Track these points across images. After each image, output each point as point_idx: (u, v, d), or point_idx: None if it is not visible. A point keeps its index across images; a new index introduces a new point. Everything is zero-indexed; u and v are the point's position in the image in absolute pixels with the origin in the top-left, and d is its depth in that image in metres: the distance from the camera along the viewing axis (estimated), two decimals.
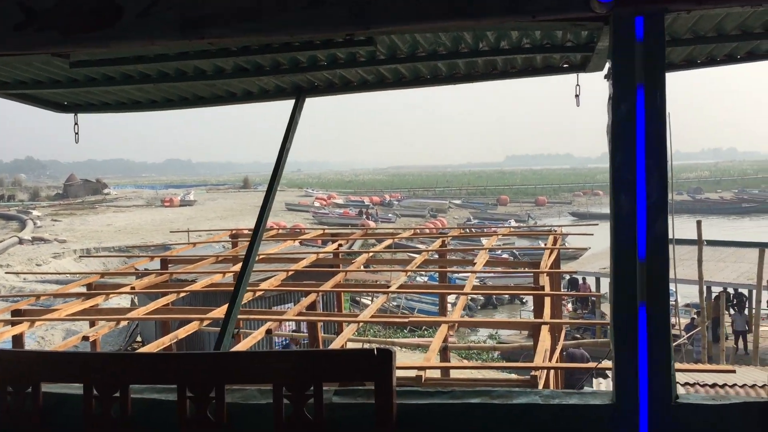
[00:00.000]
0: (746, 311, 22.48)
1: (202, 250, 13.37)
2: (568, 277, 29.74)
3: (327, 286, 7.94)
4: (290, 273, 8.91)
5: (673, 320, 17.47)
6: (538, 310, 7.50)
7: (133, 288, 9.03)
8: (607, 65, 2.26)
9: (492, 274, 27.93)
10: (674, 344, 17.00)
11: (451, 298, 29.10)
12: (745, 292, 23.20)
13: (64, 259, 37.68)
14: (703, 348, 13.90)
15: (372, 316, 6.35)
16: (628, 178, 2.06)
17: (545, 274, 8.30)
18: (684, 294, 23.10)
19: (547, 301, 7.38)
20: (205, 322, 6.95)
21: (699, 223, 15.28)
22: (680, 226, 19.92)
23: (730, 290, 23.31)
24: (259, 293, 8.04)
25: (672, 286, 23.34)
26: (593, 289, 28.21)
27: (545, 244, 9.91)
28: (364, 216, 67.28)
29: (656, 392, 2.01)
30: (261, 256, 10.10)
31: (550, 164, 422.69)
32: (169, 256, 11.29)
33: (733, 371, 7.23)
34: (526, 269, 26.00)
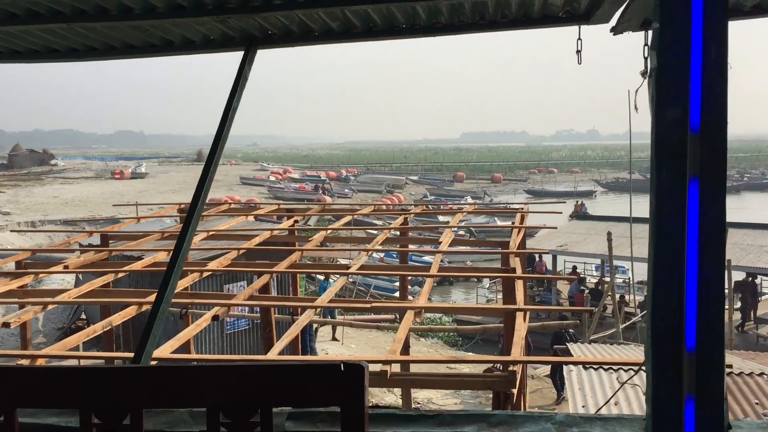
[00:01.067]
0: None
1: (148, 225, 12.57)
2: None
3: (281, 266, 7.29)
4: (242, 251, 8.32)
5: (628, 297, 17.40)
6: (509, 294, 6.70)
7: (66, 267, 8.25)
8: (617, 15, 1.77)
9: (456, 253, 27.60)
10: (629, 323, 17.03)
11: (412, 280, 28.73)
12: None
13: (4, 233, 36.14)
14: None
15: (330, 301, 5.84)
16: (676, 150, 1.56)
17: (514, 255, 7.58)
18: (638, 273, 23.20)
19: (519, 284, 6.58)
20: (144, 307, 6.33)
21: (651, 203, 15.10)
22: (634, 206, 19.87)
23: None
24: (207, 273, 7.37)
25: (626, 264, 23.40)
26: (549, 266, 28.27)
27: (513, 222, 9.41)
28: (321, 191, 66.51)
29: (704, 418, 1.55)
30: (211, 233, 9.45)
31: (505, 141, 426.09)
32: (110, 231, 10.41)
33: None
34: (493, 249, 25.83)
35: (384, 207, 12.00)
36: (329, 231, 9.24)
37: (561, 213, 12.25)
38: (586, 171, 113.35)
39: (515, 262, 7.33)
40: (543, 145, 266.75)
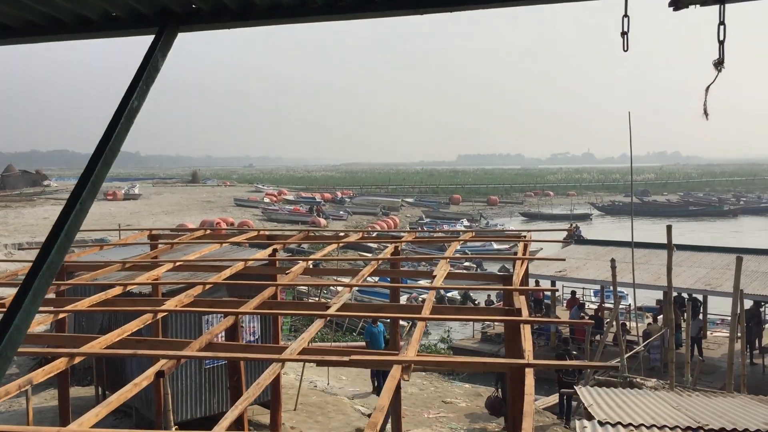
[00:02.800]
0: (700, 317, 22.07)
1: (112, 252, 11.63)
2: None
3: (249, 305, 6.36)
4: (207, 287, 7.44)
5: (629, 325, 16.66)
6: (514, 340, 5.62)
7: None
8: None
9: (452, 288, 26.92)
10: (632, 352, 16.32)
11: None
12: (700, 297, 22.78)
13: None
14: (670, 348, 13.16)
15: (301, 352, 4.87)
16: None
17: (519, 293, 6.39)
18: (639, 299, 22.53)
19: (526, 331, 5.38)
20: (77, 359, 5.55)
21: (669, 228, 14.50)
22: (629, 228, 19.27)
23: (684, 295, 22.89)
24: (162, 314, 6.47)
25: (625, 290, 22.66)
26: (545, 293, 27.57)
27: (515, 252, 8.53)
28: (315, 213, 65.85)
29: None
30: (178, 263, 8.57)
31: (501, 164, 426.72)
32: (67, 261, 9.42)
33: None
34: (494, 284, 24.95)
35: (374, 234, 11.07)
36: (309, 262, 8.40)
37: (565, 242, 11.70)
38: (582, 194, 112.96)
39: (520, 302, 6.19)
40: (539, 168, 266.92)
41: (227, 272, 7.71)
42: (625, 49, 2.30)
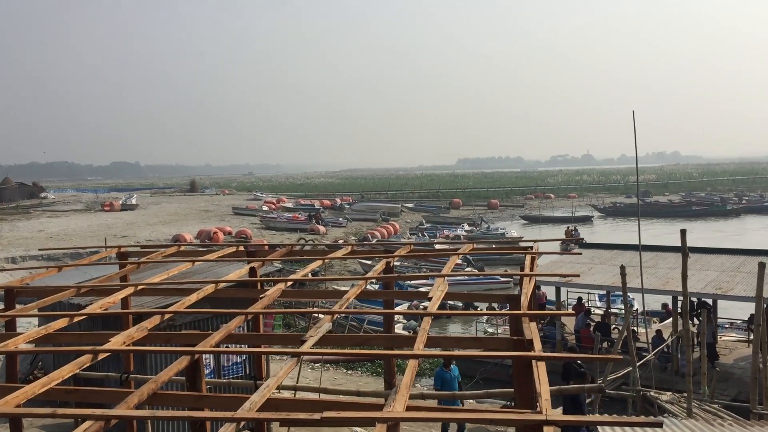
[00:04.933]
0: (712, 321, 21.34)
1: (70, 275, 10.61)
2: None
3: (208, 342, 5.24)
4: (167, 316, 6.52)
5: (638, 331, 15.89)
6: (525, 383, 4.51)
7: None
8: None
9: (449, 314, 26.04)
10: (643, 360, 15.56)
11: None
12: (709, 301, 22.07)
13: None
14: (688, 362, 12.42)
15: (265, 405, 3.95)
16: None
17: (528, 318, 5.38)
18: (647, 304, 21.78)
19: (540, 369, 4.36)
20: (101, 355, 4.71)
21: (683, 232, 13.75)
22: (633, 230, 18.54)
23: (694, 299, 22.18)
24: (103, 355, 5.36)
25: (631, 295, 21.87)
26: (549, 297, 26.81)
27: (518, 266, 7.51)
28: (315, 220, 65.11)
29: None
30: (140, 287, 7.68)
31: (501, 167, 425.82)
32: (17, 286, 8.29)
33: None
34: (501, 306, 23.94)
35: (364, 248, 10.12)
36: (288, 284, 7.50)
37: (581, 254, 10.97)
38: (583, 196, 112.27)
39: (530, 329, 5.14)
40: (539, 170, 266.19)
41: (194, 297, 6.79)
42: None
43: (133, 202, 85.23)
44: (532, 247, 8.00)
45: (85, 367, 5.05)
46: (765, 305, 19.10)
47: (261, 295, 6.54)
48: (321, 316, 6.03)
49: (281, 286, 6.96)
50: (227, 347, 9.29)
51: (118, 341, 5.27)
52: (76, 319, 6.62)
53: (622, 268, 14.58)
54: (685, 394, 12.22)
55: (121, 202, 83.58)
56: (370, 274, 7.32)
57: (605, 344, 20.23)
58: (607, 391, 12.21)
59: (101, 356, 5.18)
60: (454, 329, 29.10)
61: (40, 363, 15.94)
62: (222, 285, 7.28)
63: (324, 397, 8.48)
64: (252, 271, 8.10)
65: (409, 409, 3.97)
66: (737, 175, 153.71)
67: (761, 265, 12.30)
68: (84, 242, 44.94)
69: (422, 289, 23.78)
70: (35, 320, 15.65)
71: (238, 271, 8.23)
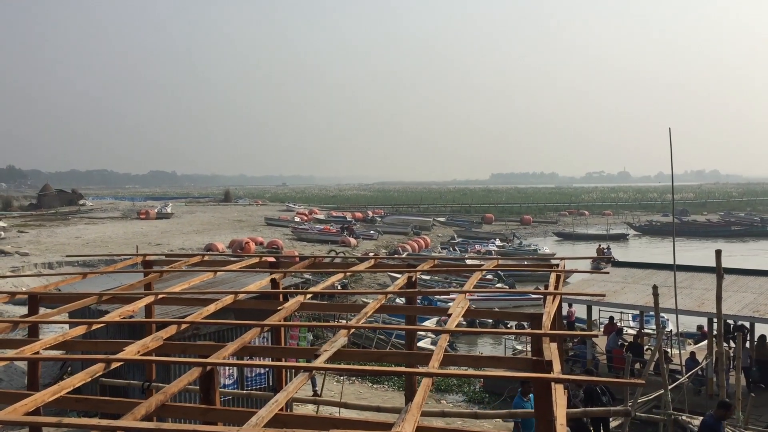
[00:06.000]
0: (747, 345, 20.74)
1: (95, 282, 10.65)
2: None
3: (224, 353, 5.08)
4: (183, 328, 6.40)
5: (671, 352, 15.47)
6: (545, 405, 4.32)
7: None
8: None
9: (469, 332, 25.73)
10: (675, 383, 15.16)
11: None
12: (747, 324, 21.46)
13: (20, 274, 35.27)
14: (721, 386, 12.03)
15: (274, 420, 3.70)
16: None
17: (549, 339, 5.09)
18: (681, 325, 21.27)
19: (558, 392, 4.40)
20: (114, 364, 4.62)
21: (719, 253, 13.40)
22: (669, 249, 18.14)
23: (730, 322, 21.60)
24: (116, 364, 5.23)
25: (665, 315, 21.36)
26: (579, 316, 26.37)
27: (545, 287, 7.18)
28: (346, 232, 65.26)
29: None
30: (161, 296, 7.70)
31: (535, 183, 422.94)
32: (42, 292, 8.31)
33: None
34: (520, 324, 23.58)
35: (394, 261, 10.03)
36: (308, 296, 7.43)
37: (608, 272, 10.68)
38: (618, 213, 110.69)
39: (551, 350, 4.91)
40: (573, 187, 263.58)
41: (212, 307, 6.78)
42: None
43: (168, 210, 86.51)
44: (557, 265, 7.80)
45: (99, 374, 5.04)
46: None
47: (279, 307, 6.48)
48: (338, 332, 5.87)
49: (300, 298, 6.88)
50: (246, 359, 9.24)
51: (132, 350, 5.24)
52: (95, 326, 6.65)
53: (655, 287, 14.24)
54: None
55: (156, 210, 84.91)
56: (390, 289, 7.22)
57: (637, 365, 19.79)
58: (636, 414, 11.88)
59: (114, 365, 5.14)
60: (485, 346, 28.78)
61: (69, 368, 16.14)
62: (242, 296, 7.24)
63: (343, 411, 8.37)
64: (274, 283, 8.05)
65: (419, 429, 3.87)
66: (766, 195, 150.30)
67: None
68: (119, 249, 45.67)
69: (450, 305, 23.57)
70: (67, 326, 15.87)
71: (259, 282, 8.19)
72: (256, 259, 9.35)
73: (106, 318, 6.50)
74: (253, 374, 12.08)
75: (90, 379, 4.87)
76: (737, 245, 67.35)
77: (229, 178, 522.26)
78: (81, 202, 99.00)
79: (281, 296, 7.91)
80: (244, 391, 10.96)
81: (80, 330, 6.29)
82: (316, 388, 17.96)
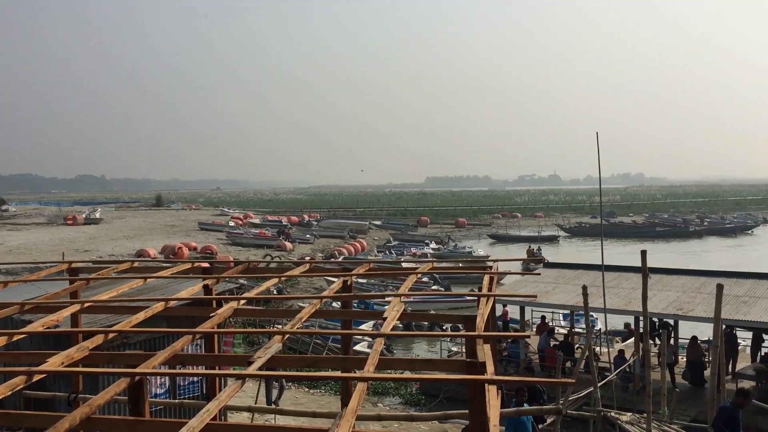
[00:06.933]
0: (672, 342, 21.54)
1: (16, 291, 10.10)
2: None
3: (153, 362, 4.84)
4: (111, 337, 6.15)
5: (600, 351, 15.96)
6: (478, 408, 4.40)
7: None
8: None
9: (404, 335, 25.91)
10: (604, 381, 15.62)
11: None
12: (671, 322, 22.30)
13: None
14: (648, 382, 12.48)
15: None
16: None
17: (482, 341, 5.18)
18: (610, 324, 21.93)
19: (491, 393, 4.48)
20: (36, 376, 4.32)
21: (644, 253, 13.87)
22: (598, 249, 18.68)
23: (655, 320, 22.40)
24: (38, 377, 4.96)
25: (594, 314, 22.05)
26: (513, 316, 26.87)
27: (475, 288, 7.54)
28: (282, 236, 64.71)
29: None
30: (87, 304, 7.43)
31: (469, 186, 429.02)
32: None
33: None
34: (454, 326, 23.90)
35: (327, 266, 9.98)
36: (242, 302, 7.31)
37: (539, 274, 10.86)
38: (550, 215, 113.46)
39: (484, 351, 5.01)
40: (506, 190, 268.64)
41: (141, 315, 6.55)
42: None
43: (97, 216, 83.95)
44: (491, 267, 7.96)
45: (20, 387, 4.82)
46: (723, 326, 19.37)
47: (212, 314, 6.36)
48: (269, 338, 5.79)
49: (233, 304, 6.77)
50: (179, 368, 9.01)
51: (56, 362, 5.03)
52: (16, 337, 6.37)
53: (584, 288, 14.66)
54: (646, 415, 12.27)
55: (84, 215, 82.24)
56: (325, 293, 7.20)
57: (568, 364, 20.31)
58: (567, 411, 12.17)
59: (37, 377, 4.92)
60: (421, 348, 28.99)
61: None
62: (173, 303, 7.07)
63: (279, 418, 8.28)
64: (207, 289, 7.90)
65: None
66: (699, 197, 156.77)
67: (719, 287, 12.43)
68: (44, 256, 44.01)
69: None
70: None
71: (191, 288, 8.00)
72: (189, 265, 9.15)
73: (29, 328, 6.24)
74: (186, 383, 11.82)
75: (10, 392, 4.66)
76: (661, 245, 70.00)
77: (161, 183, 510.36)
78: (3, 207, 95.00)
79: (214, 302, 7.78)
80: (176, 401, 10.72)
81: (0, 341, 6.02)
82: (275, 398, 17.63)
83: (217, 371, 6.63)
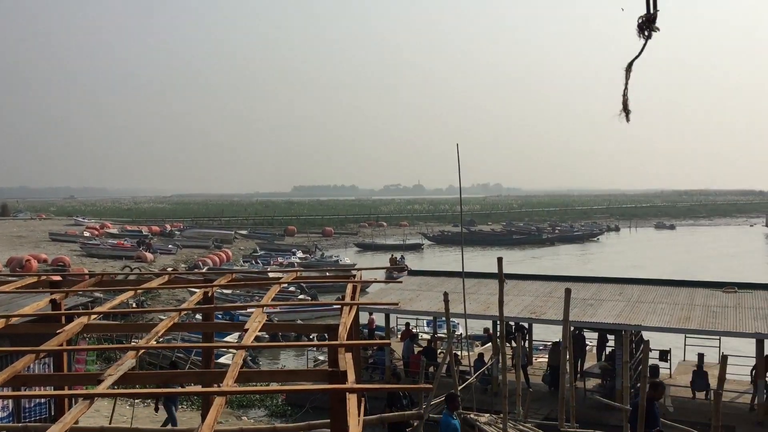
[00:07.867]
0: (526, 344, 22.71)
1: None
2: None
3: None
4: None
5: (461, 354, 16.59)
6: (340, 412, 4.42)
7: None
8: None
9: (270, 346, 25.68)
10: (465, 384, 16.24)
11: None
12: (526, 325, 23.50)
13: None
14: (504, 383, 13.09)
15: None
16: None
17: (344, 349, 5.23)
18: (469, 328, 22.81)
19: (351, 402, 4.44)
20: None
21: (500, 260, 14.58)
22: (459, 257, 19.41)
23: (512, 323, 23.51)
24: None
25: (455, 319, 22.90)
26: (376, 323, 27.33)
27: (341, 297, 7.54)
28: (142, 247, 62.00)
29: None
30: None
31: (336, 195, 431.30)
32: None
33: None
34: (319, 335, 24.01)
35: (185, 278, 9.65)
36: (93, 317, 6.94)
37: (401, 282, 11.23)
38: (414, 224, 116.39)
39: (346, 360, 5.04)
40: (372, 199, 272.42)
41: None
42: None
43: None
44: (355, 276, 8.08)
45: None
46: (572, 328, 20.69)
47: (59, 330, 5.99)
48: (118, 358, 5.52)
49: (84, 319, 6.43)
50: (24, 389, 8.41)
51: None
52: None
53: (445, 294, 15.19)
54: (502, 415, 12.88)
55: None
56: (184, 305, 7.00)
57: (431, 369, 20.91)
58: (429, 415, 12.55)
59: None
60: (288, 359, 28.76)
61: None
62: (15, 320, 6.59)
63: None
64: (54, 304, 7.40)
65: None
66: (551, 206, 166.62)
67: (567, 291, 13.32)
68: None
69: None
70: None
71: (36, 304, 7.47)
72: (36, 278, 8.54)
73: None
74: (32, 404, 11.06)
75: None
76: (517, 252, 73.79)
77: (7, 190, 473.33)
78: None
79: (63, 318, 7.32)
80: (20, 424, 10.00)
81: None
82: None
83: (62, 392, 6.25)
